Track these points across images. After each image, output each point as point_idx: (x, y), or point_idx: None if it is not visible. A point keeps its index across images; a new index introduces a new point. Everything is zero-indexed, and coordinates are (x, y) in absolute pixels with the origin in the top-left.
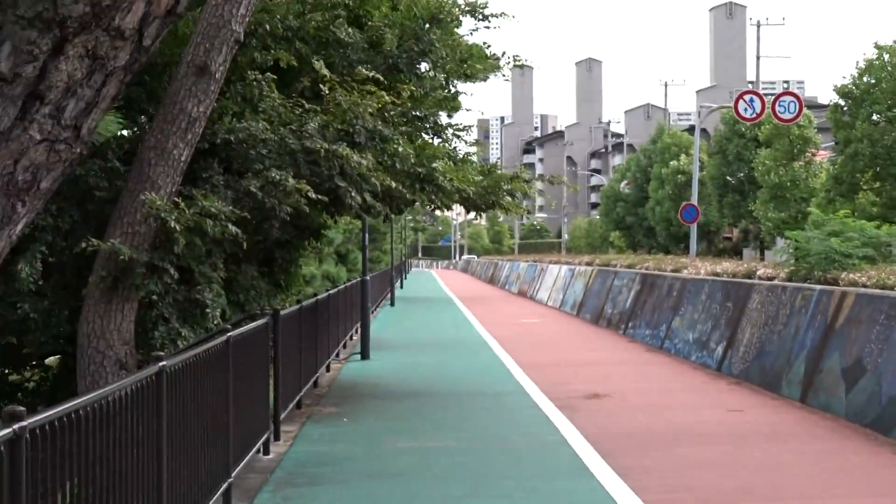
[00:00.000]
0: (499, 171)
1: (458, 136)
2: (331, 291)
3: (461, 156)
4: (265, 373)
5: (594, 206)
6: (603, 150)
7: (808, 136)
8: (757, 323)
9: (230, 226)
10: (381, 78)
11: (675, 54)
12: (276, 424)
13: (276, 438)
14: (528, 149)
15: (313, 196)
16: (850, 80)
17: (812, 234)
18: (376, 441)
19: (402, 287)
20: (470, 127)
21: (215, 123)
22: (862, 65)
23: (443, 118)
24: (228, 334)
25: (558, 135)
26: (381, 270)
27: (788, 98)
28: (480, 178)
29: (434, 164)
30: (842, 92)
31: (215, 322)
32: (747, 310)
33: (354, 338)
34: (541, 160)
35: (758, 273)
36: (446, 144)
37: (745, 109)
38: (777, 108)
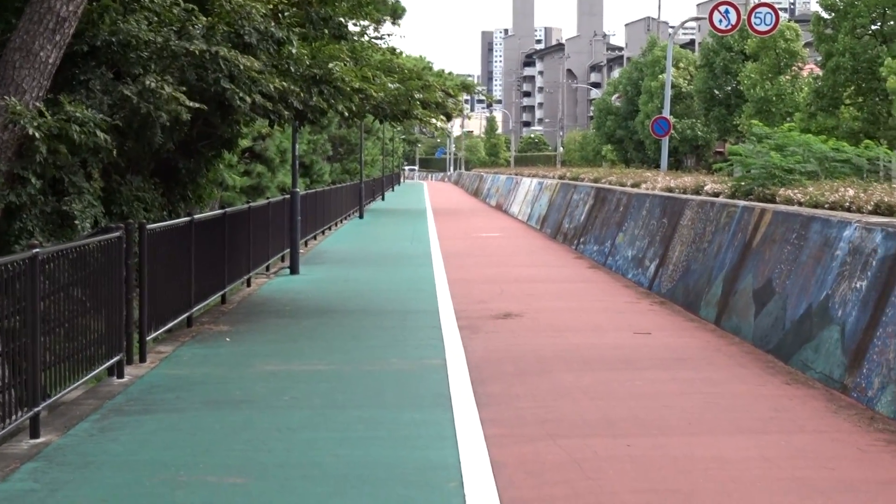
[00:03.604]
0: (422, 80)
1: (373, 43)
2: (252, 205)
3: (373, 61)
4: (117, 291)
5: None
6: (602, 64)
7: (795, 49)
8: (686, 240)
9: (98, 133)
10: None
11: None
12: (141, 345)
13: (142, 360)
14: (529, 61)
15: (190, 104)
16: None
17: (755, 148)
18: (244, 364)
19: (383, 199)
20: (388, 35)
21: (96, 24)
22: None
23: (387, 24)
24: (36, 251)
25: (558, 47)
26: (351, 182)
27: (765, 9)
28: (396, 86)
29: (331, 65)
30: (825, 4)
31: (85, 234)
32: (679, 226)
33: (303, 250)
34: (541, 73)
35: (705, 188)
36: (356, 47)
37: (720, 21)
38: (753, 19)
